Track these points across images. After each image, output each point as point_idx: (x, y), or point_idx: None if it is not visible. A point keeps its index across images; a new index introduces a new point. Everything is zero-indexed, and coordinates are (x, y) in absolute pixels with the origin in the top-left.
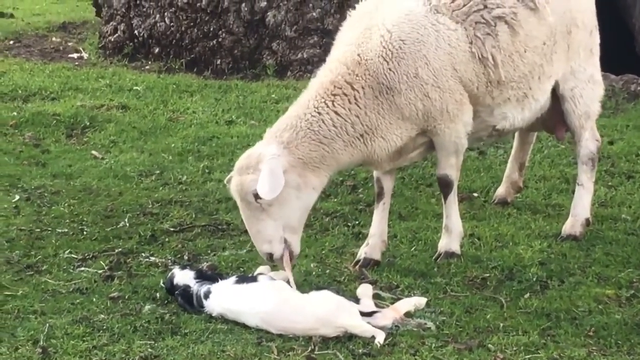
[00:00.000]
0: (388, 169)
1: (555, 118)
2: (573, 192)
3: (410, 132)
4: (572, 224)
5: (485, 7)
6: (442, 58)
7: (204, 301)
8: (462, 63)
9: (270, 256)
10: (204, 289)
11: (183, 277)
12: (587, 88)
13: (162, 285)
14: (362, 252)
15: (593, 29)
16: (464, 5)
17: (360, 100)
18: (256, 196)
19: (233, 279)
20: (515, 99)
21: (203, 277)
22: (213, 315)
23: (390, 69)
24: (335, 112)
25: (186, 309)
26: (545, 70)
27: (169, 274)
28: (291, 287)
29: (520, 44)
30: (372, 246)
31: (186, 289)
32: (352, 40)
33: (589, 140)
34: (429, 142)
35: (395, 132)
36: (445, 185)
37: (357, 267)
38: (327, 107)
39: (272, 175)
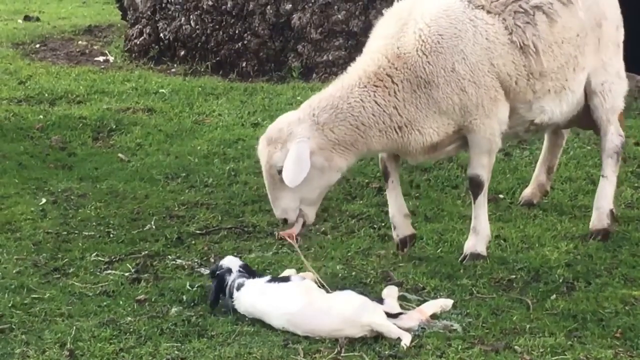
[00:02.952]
0: (422, 161)
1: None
2: None
3: (447, 128)
4: (598, 218)
5: None
6: (479, 53)
7: (235, 292)
8: (501, 57)
9: (284, 221)
10: (239, 280)
11: (231, 261)
12: (616, 82)
13: (189, 287)
14: (395, 236)
15: (619, 25)
16: None
17: (399, 94)
18: (279, 171)
19: (266, 278)
20: (554, 90)
21: (247, 271)
22: (240, 311)
23: (429, 62)
24: (376, 102)
25: (214, 294)
26: (579, 61)
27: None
28: (305, 262)
29: (558, 34)
30: (399, 225)
31: (226, 272)
32: (391, 33)
33: (614, 135)
34: (464, 137)
35: (432, 126)
36: (475, 186)
37: (399, 250)
38: (369, 96)
39: (298, 161)
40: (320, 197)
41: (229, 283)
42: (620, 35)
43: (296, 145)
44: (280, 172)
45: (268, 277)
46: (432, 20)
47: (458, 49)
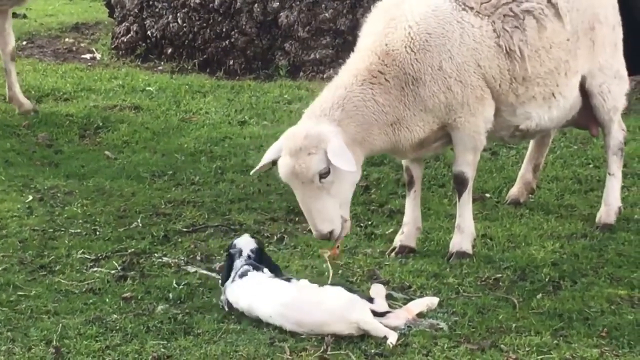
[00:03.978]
0: (412, 158)
1: (587, 115)
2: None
3: (432, 125)
4: (607, 213)
5: (514, 0)
6: (465, 53)
7: (237, 279)
8: (487, 59)
9: (330, 234)
10: (245, 268)
11: (245, 242)
12: (614, 83)
13: (175, 285)
14: (398, 240)
15: (616, 25)
16: None
17: (392, 91)
18: (321, 176)
19: (269, 274)
20: (541, 97)
21: (258, 257)
22: (229, 299)
23: (417, 60)
24: (374, 100)
25: (225, 274)
26: (571, 65)
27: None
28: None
29: (547, 39)
30: (407, 234)
31: (238, 252)
32: (379, 30)
33: (617, 131)
34: (449, 134)
35: (419, 124)
36: (460, 183)
37: (392, 254)
38: (369, 94)
39: (343, 149)
40: (351, 197)
41: (237, 267)
42: (617, 35)
43: (334, 138)
44: (322, 176)
45: (270, 274)
46: (421, 19)
47: (445, 48)
